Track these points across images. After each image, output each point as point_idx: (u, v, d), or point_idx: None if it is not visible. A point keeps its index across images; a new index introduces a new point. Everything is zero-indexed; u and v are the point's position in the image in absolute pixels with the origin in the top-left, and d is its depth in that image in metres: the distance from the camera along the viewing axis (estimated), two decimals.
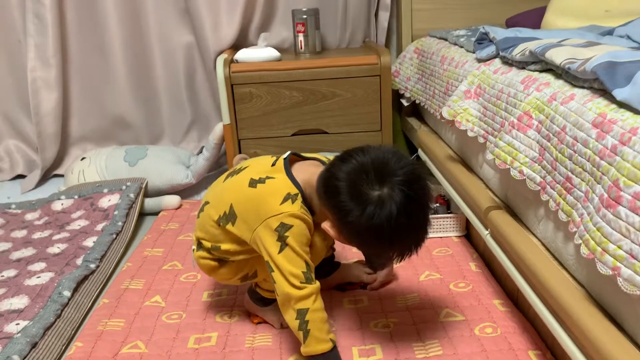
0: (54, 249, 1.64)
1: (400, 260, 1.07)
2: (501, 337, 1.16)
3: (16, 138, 2.36)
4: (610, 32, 1.45)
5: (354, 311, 1.29)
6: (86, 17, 2.17)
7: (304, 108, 1.99)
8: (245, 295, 1.28)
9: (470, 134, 1.37)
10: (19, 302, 1.35)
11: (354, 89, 1.98)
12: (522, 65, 1.24)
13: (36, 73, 2.15)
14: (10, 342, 1.18)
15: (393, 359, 1.12)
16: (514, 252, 1.10)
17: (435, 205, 1.73)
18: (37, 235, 1.76)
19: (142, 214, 1.95)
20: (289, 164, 1.13)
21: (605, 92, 0.90)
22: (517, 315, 1.23)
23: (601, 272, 0.75)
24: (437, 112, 1.72)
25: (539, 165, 1.03)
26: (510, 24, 1.96)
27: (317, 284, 1.05)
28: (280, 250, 1.04)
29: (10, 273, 1.50)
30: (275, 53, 2.03)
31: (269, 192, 1.08)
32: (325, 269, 1.33)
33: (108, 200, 1.86)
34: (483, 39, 1.51)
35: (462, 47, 1.70)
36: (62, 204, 1.91)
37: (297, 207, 1.06)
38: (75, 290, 1.41)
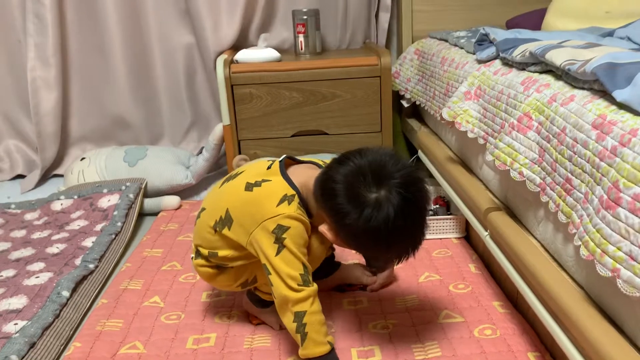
0: (53, 249, 1.64)
1: (398, 263, 1.07)
2: (500, 338, 1.16)
3: (16, 138, 2.36)
4: (610, 34, 1.45)
5: (353, 312, 1.29)
6: (86, 17, 2.17)
7: (304, 109, 1.99)
8: (244, 296, 1.28)
9: (470, 135, 1.37)
10: (18, 302, 1.35)
11: (354, 90, 1.98)
12: (522, 66, 1.24)
13: (36, 73, 2.15)
14: (9, 342, 1.17)
15: None
16: (514, 254, 1.09)
17: (435, 207, 1.73)
18: (36, 235, 1.76)
19: (142, 215, 1.95)
20: (284, 167, 1.13)
21: (605, 94, 0.90)
22: (516, 317, 1.23)
23: (600, 273, 0.75)
24: (437, 114, 1.72)
25: (538, 166, 1.03)
26: (510, 25, 1.96)
27: (315, 286, 1.05)
28: (278, 253, 1.04)
29: (9, 273, 1.50)
30: (275, 54, 2.03)
31: (265, 195, 1.08)
32: (325, 269, 1.32)
33: (107, 201, 1.86)
34: (483, 40, 1.51)
35: (462, 48, 1.70)
36: (61, 204, 1.91)
37: (293, 208, 1.06)
38: (74, 290, 1.40)
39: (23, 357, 1.15)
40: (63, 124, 2.27)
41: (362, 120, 2.01)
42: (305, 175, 1.11)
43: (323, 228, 1.06)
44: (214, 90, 2.28)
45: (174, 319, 1.30)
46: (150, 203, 1.96)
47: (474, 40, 1.59)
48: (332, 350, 1.06)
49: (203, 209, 1.19)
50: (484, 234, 1.29)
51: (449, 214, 1.70)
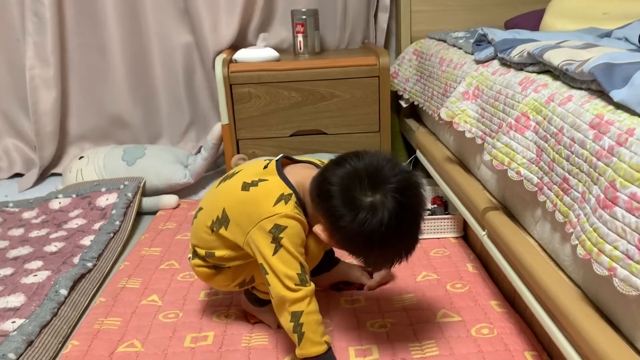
0: (51, 248, 1.64)
1: (391, 267, 1.07)
2: (498, 338, 1.16)
3: (14, 136, 2.35)
4: (608, 35, 1.45)
5: (351, 311, 1.29)
6: (85, 15, 2.17)
7: (303, 109, 1.99)
8: (242, 295, 1.28)
9: (468, 135, 1.37)
10: (16, 300, 1.35)
11: (352, 89, 1.98)
12: (520, 66, 1.24)
13: (35, 71, 2.15)
14: (6, 340, 1.17)
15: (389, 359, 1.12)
16: (511, 253, 1.10)
17: (432, 206, 1.74)
18: (34, 233, 1.76)
19: (140, 213, 1.95)
20: (281, 166, 1.13)
21: (602, 94, 0.90)
22: (513, 316, 1.23)
23: (597, 272, 0.75)
24: (436, 114, 1.73)
25: (536, 166, 1.03)
26: (509, 26, 1.96)
27: (312, 285, 1.05)
28: (275, 252, 1.03)
29: (6, 271, 1.50)
30: (274, 53, 2.03)
31: (262, 195, 1.08)
32: (325, 265, 1.32)
33: (106, 199, 1.86)
34: (481, 41, 1.52)
35: (460, 48, 1.71)
36: (59, 203, 1.91)
37: (290, 207, 1.05)
38: (72, 288, 1.40)
39: (21, 355, 1.15)
40: (61, 123, 2.27)
41: (360, 120, 2.01)
42: (302, 174, 1.11)
43: (317, 229, 1.06)
44: (212, 89, 2.28)
45: (172, 318, 1.30)
46: (148, 202, 1.96)
47: (472, 40, 1.59)
48: (329, 349, 1.06)
49: (200, 209, 1.19)
50: (481, 234, 1.30)
51: (446, 214, 1.70)
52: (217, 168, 2.31)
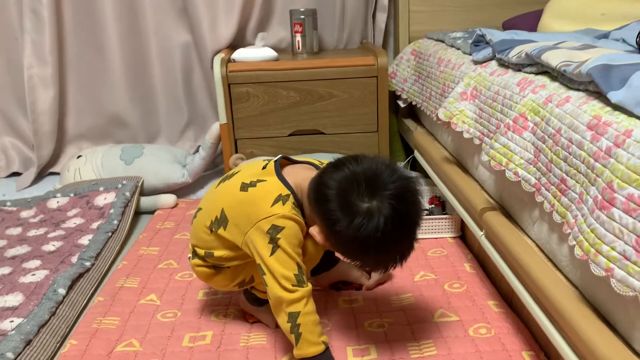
0: (49, 247, 1.64)
1: (385, 271, 1.07)
2: (495, 337, 1.16)
3: (12, 135, 2.35)
4: (606, 36, 1.46)
5: (349, 311, 1.30)
6: (83, 14, 2.17)
7: (301, 108, 2.00)
8: (241, 295, 1.28)
9: (466, 135, 1.38)
10: (14, 299, 1.35)
11: (351, 89, 1.98)
12: (518, 67, 1.24)
13: (32, 70, 2.15)
14: (5, 339, 1.18)
15: (387, 359, 1.12)
16: (509, 253, 1.10)
17: (430, 206, 1.74)
18: (32, 232, 1.76)
19: (138, 213, 1.95)
20: (279, 167, 1.13)
21: (600, 95, 0.91)
22: (511, 316, 1.23)
23: (594, 273, 0.76)
24: (434, 114, 1.73)
25: (534, 167, 1.04)
26: (507, 26, 1.97)
27: (309, 286, 1.06)
28: (272, 253, 1.04)
29: (4, 270, 1.50)
30: (272, 53, 2.03)
31: (260, 195, 1.08)
32: (325, 264, 1.32)
33: (104, 199, 1.86)
34: (479, 41, 1.52)
35: (458, 49, 1.71)
36: (57, 202, 1.91)
37: (288, 208, 1.06)
38: (70, 288, 1.40)
39: (19, 355, 1.15)
40: (59, 122, 2.27)
41: (358, 120, 2.02)
42: (301, 175, 1.11)
43: (313, 230, 1.06)
44: (210, 89, 2.28)
45: (170, 317, 1.30)
46: (146, 201, 1.96)
47: (470, 41, 1.60)
48: (327, 349, 1.06)
49: (199, 209, 1.19)
50: (479, 234, 1.30)
51: (444, 214, 1.71)
52: (215, 167, 2.31)
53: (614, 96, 0.84)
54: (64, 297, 1.37)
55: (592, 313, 0.86)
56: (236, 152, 2.04)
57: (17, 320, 1.25)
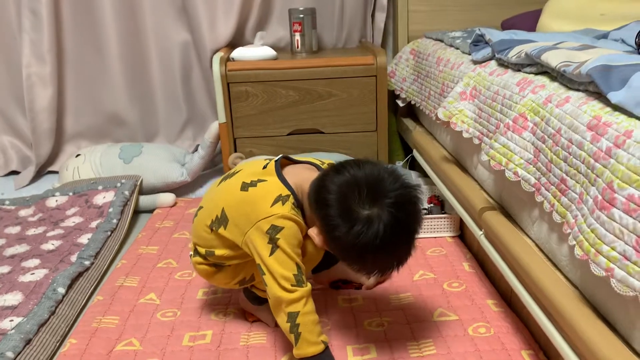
0: (48, 246, 1.63)
1: (381, 276, 1.07)
2: (494, 337, 1.17)
3: (10, 134, 2.35)
4: (605, 36, 1.46)
5: (349, 310, 1.30)
6: (82, 13, 2.16)
7: (300, 107, 2.00)
8: (241, 293, 1.28)
9: (465, 135, 1.38)
10: (13, 298, 1.35)
11: (350, 89, 1.98)
12: (517, 67, 1.25)
13: (31, 69, 2.14)
14: (4, 339, 1.18)
15: (387, 358, 1.12)
16: (508, 253, 1.10)
17: (429, 206, 1.75)
18: (31, 231, 1.76)
19: (137, 212, 1.95)
20: (280, 167, 1.14)
21: (600, 95, 0.91)
22: (510, 316, 1.24)
23: (595, 273, 0.76)
24: (433, 113, 1.73)
25: (533, 167, 1.04)
26: (506, 26, 1.97)
27: (308, 286, 1.06)
28: (271, 253, 1.04)
29: (3, 269, 1.50)
30: (271, 52, 2.03)
31: (260, 195, 1.08)
32: (326, 262, 1.32)
33: (103, 198, 1.86)
34: (479, 41, 1.52)
35: (457, 48, 1.71)
36: (56, 201, 1.91)
37: (287, 208, 1.06)
38: (69, 287, 1.40)
39: (19, 354, 1.15)
40: (58, 121, 2.27)
41: (357, 120, 2.02)
42: (301, 176, 1.11)
43: (312, 232, 1.06)
44: (209, 88, 2.28)
45: (170, 316, 1.30)
46: (145, 200, 1.96)
47: (469, 40, 1.60)
48: (327, 349, 1.06)
49: (200, 208, 1.19)
50: (478, 233, 1.30)
51: (443, 213, 1.71)
52: (214, 167, 2.31)
53: (614, 97, 0.84)
54: (64, 296, 1.36)
55: (592, 313, 0.86)
56: (235, 151, 2.04)
57: (17, 320, 1.25)
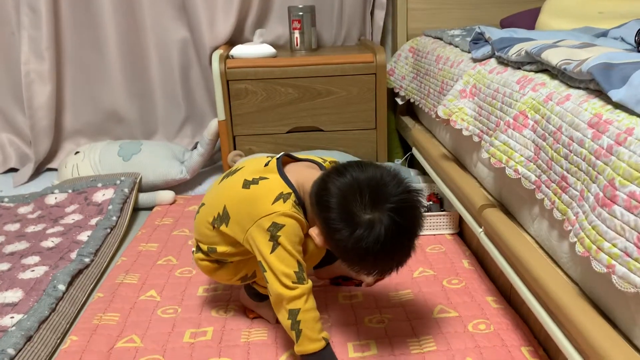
0: (48, 243, 1.63)
1: (380, 277, 1.08)
2: (494, 333, 1.17)
3: (9, 131, 2.34)
4: (604, 34, 1.47)
5: (349, 307, 1.30)
6: (81, 10, 2.16)
7: (300, 105, 2.00)
8: (241, 290, 1.29)
9: (465, 133, 1.38)
10: (13, 295, 1.35)
11: (349, 86, 1.98)
12: (517, 65, 1.25)
13: (29, 66, 2.14)
14: (5, 336, 1.18)
15: (388, 355, 1.13)
16: (508, 250, 1.11)
17: (428, 203, 1.75)
18: (30, 229, 1.75)
19: (136, 209, 1.95)
20: (281, 164, 1.14)
21: (600, 93, 0.92)
22: (509, 312, 1.24)
23: (596, 269, 0.77)
24: (432, 111, 1.74)
25: (534, 164, 1.05)
26: (504, 24, 1.98)
27: (309, 283, 1.06)
28: (273, 250, 1.04)
29: (3, 266, 1.50)
30: (270, 49, 2.03)
31: (261, 193, 1.08)
32: (327, 257, 1.33)
33: (102, 195, 1.86)
34: (478, 39, 1.53)
35: (457, 46, 1.72)
36: (55, 198, 1.91)
37: (288, 206, 1.06)
38: (69, 284, 1.40)
39: (20, 351, 1.15)
40: (57, 118, 2.27)
41: (357, 117, 2.02)
42: (303, 174, 1.11)
43: (313, 232, 1.06)
44: (208, 85, 2.28)
45: (171, 313, 1.31)
46: (144, 198, 1.96)
47: (468, 38, 1.60)
48: (327, 345, 1.06)
49: (202, 205, 1.20)
50: (478, 230, 1.31)
51: (442, 211, 1.72)
52: (213, 164, 2.31)
53: (614, 95, 0.85)
54: (64, 293, 1.36)
55: (593, 309, 0.87)
56: (234, 148, 2.04)
57: (17, 317, 1.25)
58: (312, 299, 1.06)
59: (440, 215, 1.67)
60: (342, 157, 1.84)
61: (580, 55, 1.03)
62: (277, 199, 1.06)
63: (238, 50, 2.01)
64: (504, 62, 1.33)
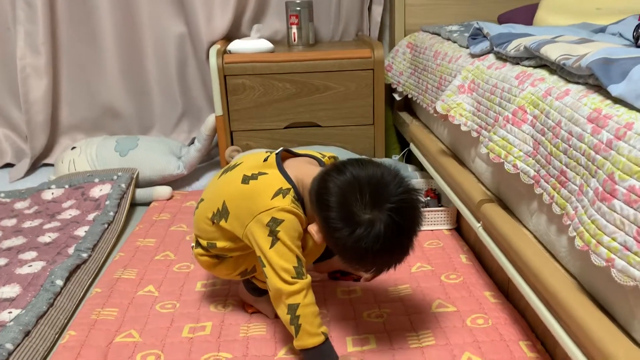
0: (45, 238, 1.63)
1: (378, 274, 1.09)
2: (492, 328, 1.18)
3: (5, 126, 2.33)
4: (602, 30, 1.47)
5: (347, 301, 1.31)
6: (77, 4, 2.15)
7: (297, 100, 2.00)
8: (240, 284, 1.29)
9: (463, 128, 1.38)
10: (11, 290, 1.35)
11: (346, 82, 1.98)
12: (516, 60, 1.25)
13: (25, 60, 2.13)
14: (3, 330, 1.17)
15: (387, 349, 1.13)
16: (507, 244, 1.11)
17: (426, 199, 1.75)
18: (27, 224, 1.75)
19: (133, 205, 1.94)
20: (280, 160, 1.14)
21: (599, 88, 0.92)
22: (507, 307, 1.25)
23: (595, 263, 0.77)
24: (430, 107, 1.74)
25: (533, 159, 1.05)
26: (502, 20, 1.98)
27: (309, 278, 1.06)
28: (272, 245, 1.04)
29: (0, 262, 1.49)
30: (268, 45, 2.03)
31: (260, 188, 1.08)
32: (326, 253, 1.33)
33: (99, 190, 1.86)
34: (477, 35, 1.53)
35: (455, 42, 1.71)
36: (52, 193, 1.90)
37: (288, 201, 1.06)
38: (67, 279, 1.40)
39: (18, 346, 1.15)
40: (53, 113, 2.25)
41: (354, 113, 2.02)
42: (302, 170, 1.11)
43: (312, 229, 1.06)
44: (205, 80, 2.27)
45: (169, 308, 1.31)
46: (141, 193, 1.96)
47: (466, 34, 1.60)
48: (327, 340, 1.07)
49: (202, 200, 1.19)
50: (476, 225, 1.31)
51: (440, 206, 1.72)
52: (210, 159, 2.31)
53: (614, 89, 0.85)
54: (62, 289, 1.36)
55: (591, 303, 0.87)
56: (232, 144, 2.04)
57: (15, 312, 1.25)
58: (311, 293, 1.06)
59: (437, 211, 1.67)
60: (339, 153, 1.84)
61: (579, 50, 1.03)
62: (276, 194, 1.06)
63: (235, 46, 2.01)
64: (502, 58, 1.33)
